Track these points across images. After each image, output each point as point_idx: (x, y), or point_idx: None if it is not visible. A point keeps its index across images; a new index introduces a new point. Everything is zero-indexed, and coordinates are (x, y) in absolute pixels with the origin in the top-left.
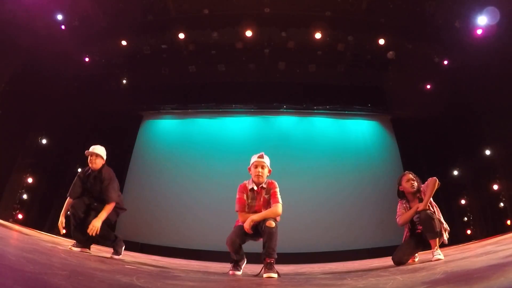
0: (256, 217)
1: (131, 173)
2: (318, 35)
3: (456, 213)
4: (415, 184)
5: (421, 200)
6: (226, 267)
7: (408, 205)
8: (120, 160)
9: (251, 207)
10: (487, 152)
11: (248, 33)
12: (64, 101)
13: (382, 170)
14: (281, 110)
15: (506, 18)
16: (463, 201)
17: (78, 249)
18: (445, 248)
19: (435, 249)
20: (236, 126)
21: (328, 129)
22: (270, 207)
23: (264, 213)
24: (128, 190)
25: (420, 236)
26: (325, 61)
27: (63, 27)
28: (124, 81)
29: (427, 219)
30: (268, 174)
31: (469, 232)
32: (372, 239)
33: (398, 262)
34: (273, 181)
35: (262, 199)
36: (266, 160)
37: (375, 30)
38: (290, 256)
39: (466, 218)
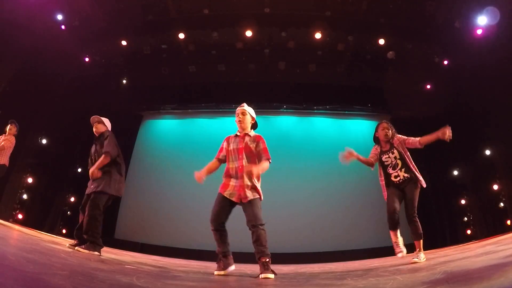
0: (257, 174)
1: (131, 173)
2: (318, 35)
3: (456, 213)
4: (389, 132)
5: (392, 147)
6: None
7: (380, 149)
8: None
9: (234, 151)
10: (487, 152)
11: (248, 33)
12: (64, 101)
13: None
14: (281, 110)
15: (506, 18)
16: (463, 201)
17: (75, 248)
18: (445, 248)
19: (417, 251)
20: (236, 126)
21: (328, 129)
22: (254, 156)
23: (264, 168)
24: (128, 190)
25: (398, 185)
26: (325, 61)
27: (63, 27)
28: (124, 81)
29: (412, 222)
30: (253, 122)
31: (469, 232)
32: (372, 239)
33: (393, 212)
34: (260, 135)
35: (245, 144)
36: (247, 107)
37: (375, 30)
38: (290, 256)
39: (466, 218)
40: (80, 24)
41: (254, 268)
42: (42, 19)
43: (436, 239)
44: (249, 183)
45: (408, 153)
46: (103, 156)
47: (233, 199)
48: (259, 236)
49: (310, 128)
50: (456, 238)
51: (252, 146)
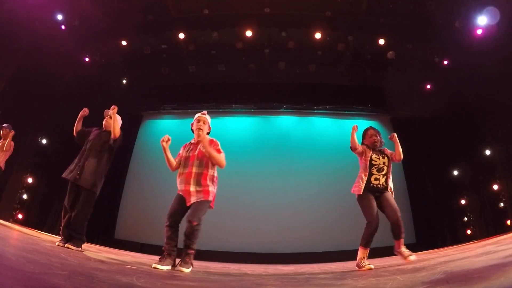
0: (206, 145)
1: (131, 173)
2: (318, 35)
3: (456, 213)
4: (377, 138)
5: (383, 152)
6: (226, 267)
7: (366, 150)
8: (120, 160)
9: (186, 158)
10: (487, 152)
11: (248, 33)
12: (64, 101)
13: None
14: (281, 110)
15: (506, 18)
16: (463, 201)
17: (63, 245)
18: (445, 248)
19: (404, 248)
20: (236, 126)
21: (328, 129)
22: (208, 160)
23: (212, 151)
24: (128, 190)
25: (373, 192)
26: (325, 61)
27: (63, 27)
28: (124, 81)
29: (398, 225)
30: (208, 131)
31: (469, 232)
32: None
33: (376, 228)
34: (214, 139)
35: (197, 151)
36: (208, 117)
37: (375, 30)
38: (290, 256)
39: (466, 218)
40: (80, 24)
41: (254, 268)
42: (42, 19)
43: (436, 239)
44: (194, 189)
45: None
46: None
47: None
48: (190, 232)
49: (310, 128)
50: (456, 238)
51: (205, 151)
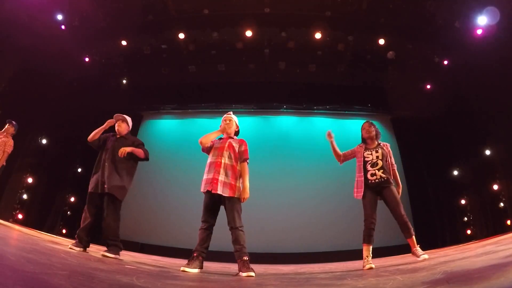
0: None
1: None
2: (318, 35)
3: (456, 213)
4: (371, 129)
5: (378, 146)
6: (226, 267)
7: (365, 147)
8: None
9: (216, 148)
10: (487, 152)
11: (248, 33)
12: (64, 101)
13: None
14: (281, 110)
15: (506, 18)
16: (463, 201)
17: (78, 249)
18: (445, 248)
19: (417, 247)
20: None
21: (328, 129)
22: (236, 155)
23: (245, 182)
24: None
25: (374, 187)
26: (325, 61)
27: (63, 27)
28: (124, 81)
29: (404, 222)
30: (236, 130)
31: (469, 232)
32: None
33: (371, 224)
34: (244, 141)
35: (227, 144)
36: (234, 117)
37: (375, 30)
38: (290, 256)
39: (466, 218)
40: (80, 24)
41: (254, 268)
42: (42, 19)
43: (436, 239)
44: (223, 179)
45: (392, 160)
46: (142, 152)
47: (208, 188)
48: (236, 238)
49: (310, 128)
50: (456, 238)
51: (235, 146)
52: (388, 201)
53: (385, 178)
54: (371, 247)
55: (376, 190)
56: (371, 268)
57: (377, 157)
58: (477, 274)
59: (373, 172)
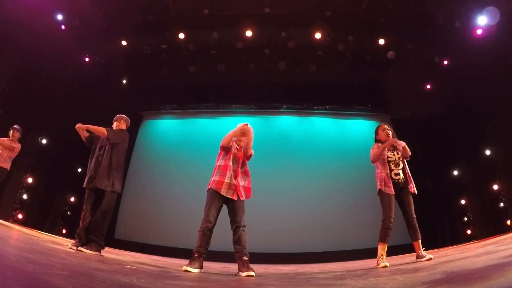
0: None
1: (131, 173)
2: (318, 35)
3: (456, 213)
4: (390, 133)
5: (395, 148)
6: (226, 267)
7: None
8: None
9: (233, 154)
10: (487, 152)
11: (248, 33)
12: (64, 101)
13: None
14: (281, 110)
15: (506, 18)
16: (463, 201)
17: (75, 248)
18: (445, 248)
19: (422, 250)
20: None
21: (328, 129)
22: (245, 160)
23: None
24: (128, 190)
25: (395, 186)
26: (325, 61)
27: (63, 27)
28: (124, 81)
29: (413, 225)
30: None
31: (469, 232)
32: (372, 239)
33: (390, 224)
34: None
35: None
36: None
37: (375, 30)
38: (290, 256)
39: (466, 218)
40: (80, 24)
41: (254, 268)
42: (42, 19)
43: (436, 239)
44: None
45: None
46: (104, 130)
47: (234, 197)
48: (242, 237)
49: (310, 128)
50: (456, 238)
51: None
52: (406, 202)
53: (405, 181)
54: (386, 246)
55: (396, 190)
56: (385, 266)
57: (399, 158)
58: (477, 274)
59: (397, 172)
